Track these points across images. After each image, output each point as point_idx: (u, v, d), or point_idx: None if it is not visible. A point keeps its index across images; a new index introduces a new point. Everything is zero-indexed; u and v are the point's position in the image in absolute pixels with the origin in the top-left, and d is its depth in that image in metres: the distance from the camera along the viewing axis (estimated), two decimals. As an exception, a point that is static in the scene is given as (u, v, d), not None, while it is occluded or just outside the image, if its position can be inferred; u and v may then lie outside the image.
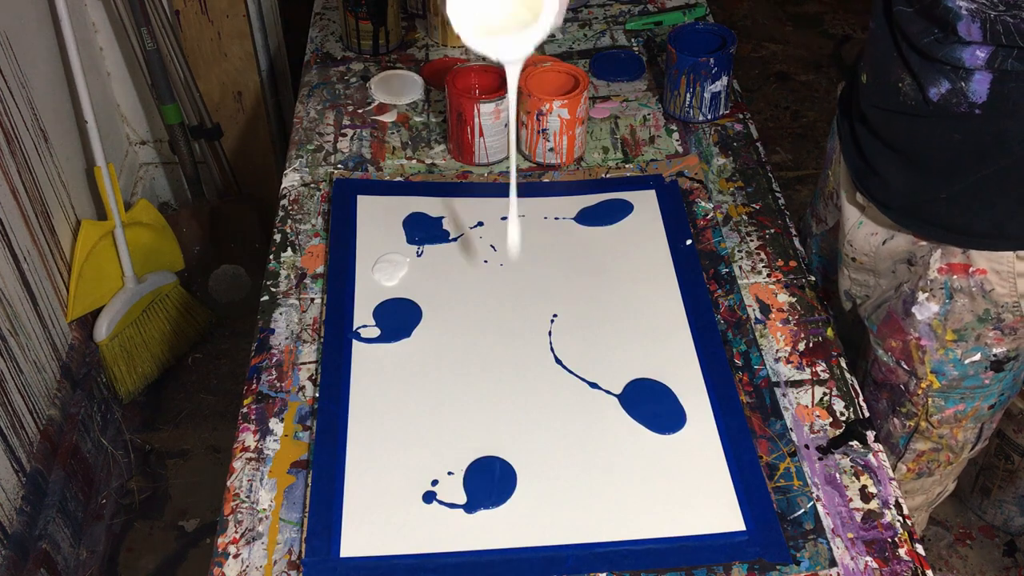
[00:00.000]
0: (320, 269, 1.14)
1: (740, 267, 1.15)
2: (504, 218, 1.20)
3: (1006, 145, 0.89)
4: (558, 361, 1.03)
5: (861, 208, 1.07)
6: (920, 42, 0.89)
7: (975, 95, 0.87)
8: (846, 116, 1.06)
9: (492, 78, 1.28)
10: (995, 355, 1.02)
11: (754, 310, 1.10)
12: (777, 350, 1.05)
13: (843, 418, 0.98)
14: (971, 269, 0.97)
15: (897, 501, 0.91)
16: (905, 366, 1.07)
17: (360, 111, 1.38)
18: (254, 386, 1.01)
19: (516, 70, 0.87)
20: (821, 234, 1.20)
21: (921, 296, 1.01)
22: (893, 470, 1.12)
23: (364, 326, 1.06)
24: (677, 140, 1.33)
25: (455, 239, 1.17)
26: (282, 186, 1.26)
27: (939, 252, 0.99)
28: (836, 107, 1.12)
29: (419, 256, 1.15)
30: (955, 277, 0.98)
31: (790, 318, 1.09)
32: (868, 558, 0.87)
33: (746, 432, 0.96)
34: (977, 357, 1.03)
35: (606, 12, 1.59)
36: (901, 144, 0.96)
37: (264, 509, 0.90)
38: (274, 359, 1.04)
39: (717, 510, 0.90)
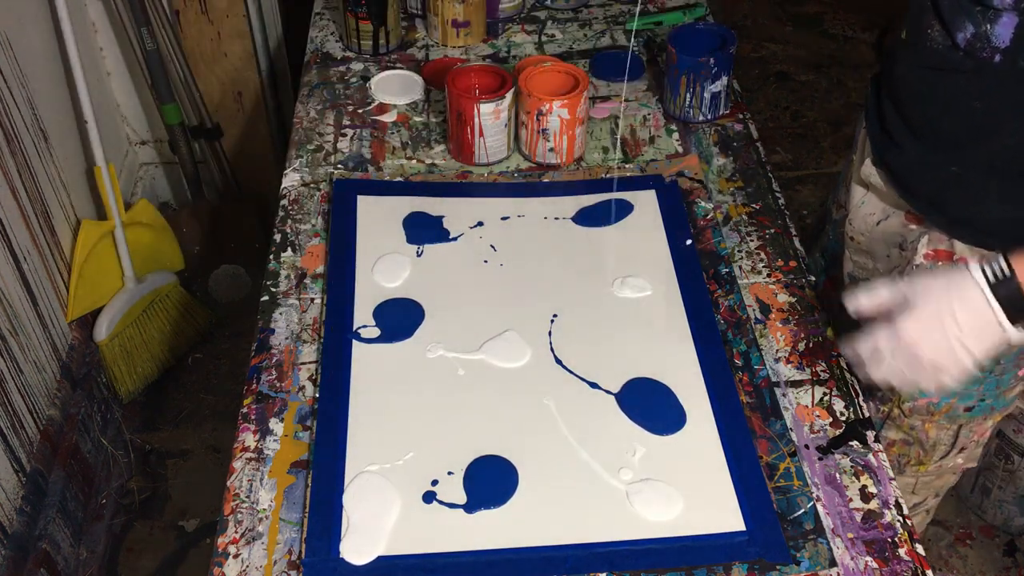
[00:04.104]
0: (320, 269, 1.14)
1: (740, 267, 1.15)
2: (505, 218, 1.20)
3: (1019, 118, 0.89)
4: (558, 361, 1.03)
5: (866, 187, 1.09)
6: None
7: (998, 39, 0.88)
8: (876, 91, 1.08)
9: (492, 78, 1.28)
10: None
11: (754, 310, 1.10)
12: (777, 350, 1.05)
13: (843, 418, 0.98)
14: (955, 257, 0.98)
15: (897, 501, 0.91)
16: None
17: (360, 111, 1.38)
18: (254, 386, 1.01)
19: None
20: (840, 219, 1.22)
21: None
22: None
23: (364, 326, 1.06)
24: (677, 140, 1.33)
25: (455, 239, 1.17)
26: (282, 186, 1.26)
27: (926, 238, 1.00)
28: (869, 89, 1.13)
29: (419, 256, 1.15)
30: (940, 264, 1.00)
31: (790, 318, 1.09)
32: (868, 558, 0.87)
33: (746, 432, 0.96)
34: None
35: (606, 12, 1.59)
36: (921, 108, 0.97)
37: (264, 509, 0.90)
38: (274, 359, 1.04)
39: (717, 510, 0.90)
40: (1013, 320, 0.82)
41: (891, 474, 0.94)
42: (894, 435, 1.14)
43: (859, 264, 1.15)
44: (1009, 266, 0.82)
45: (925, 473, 1.18)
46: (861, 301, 0.90)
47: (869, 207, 1.09)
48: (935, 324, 0.84)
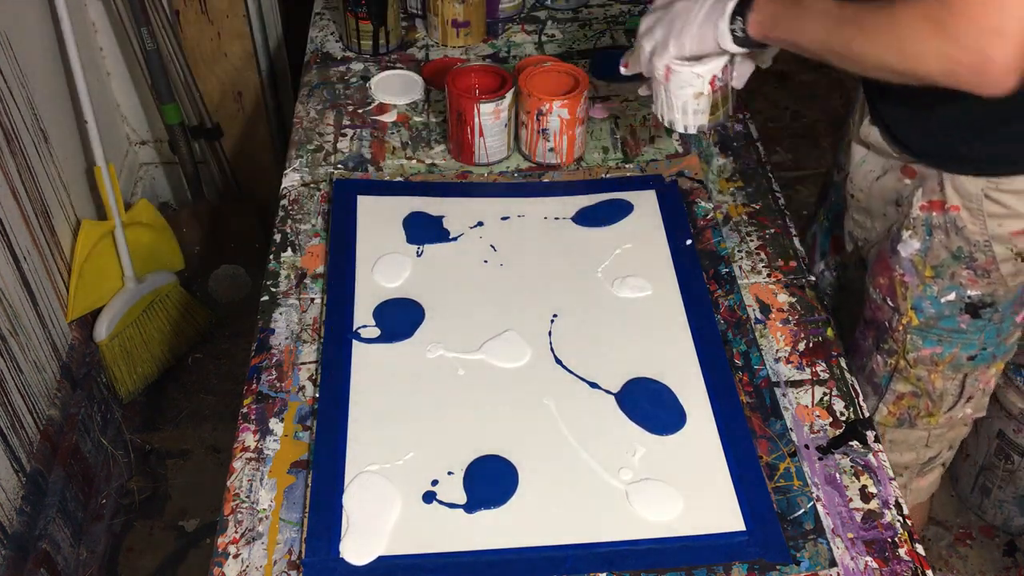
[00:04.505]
0: (320, 269, 1.14)
1: (740, 267, 1.15)
2: (505, 218, 1.20)
3: None
4: (558, 361, 1.03)
5: (866, 147, 1.12)
6: None
7: None
8: None
9: (492, 78, 1.28)
10: (969, 297, 1.07)
11: (754, 310, 1.10)
12: (777, 350, 1.05)
13: (843, 418, 0.98)
14: (947, 205, 1.03)
15: (897, 501, 0.91)
16: (890, 302, 1.12)
17: (360, 111, 1.38)
18: (254, 386, 1.01)
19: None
20: (840, 180, 1.26)
21: (905, 234, 1.07)
22: (874, 412, 1.18)
23: (364, 326, 1.06)
24: (677, 140, 1.33)
25: (455, 239, 1.17)
26: (282, 186, 1.26)
27: (920, 191, 1.05)
28: None
29: (419, 256, 1.15)
30: (934, 214, 1.04)
31: (790, 318, 1.09)
32: (868, 558, 0.87)
33: (746, 432, 0.96)
34: (952, 296, 1.08)
35: (606, 12, 1.59)
36: None
37: (264, 509, 0.90)
38: (274, 359, 1.04)
39: (717, 510, 0.90)
40: (736, 14, 0.99)
41: (891, 474, 0.94)
42: (903, 388, 1.17)
43: (859, 222, 1.18)
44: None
45: (936, 426, 1.21)
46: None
47: (869, 165, 1.13)
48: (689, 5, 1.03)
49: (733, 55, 1.05)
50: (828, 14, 0.91)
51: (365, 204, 1.21)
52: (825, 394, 1.01)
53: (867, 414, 0.99)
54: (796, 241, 1.18)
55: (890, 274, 1.11)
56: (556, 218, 1.20)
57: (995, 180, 0.99)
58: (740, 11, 0.98)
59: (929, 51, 0.84)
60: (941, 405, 1.18)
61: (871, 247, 1.17)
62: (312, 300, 1.10)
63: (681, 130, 1.11)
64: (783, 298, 1.11)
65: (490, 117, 1.23)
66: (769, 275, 1.14)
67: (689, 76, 1.05)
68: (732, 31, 0.99)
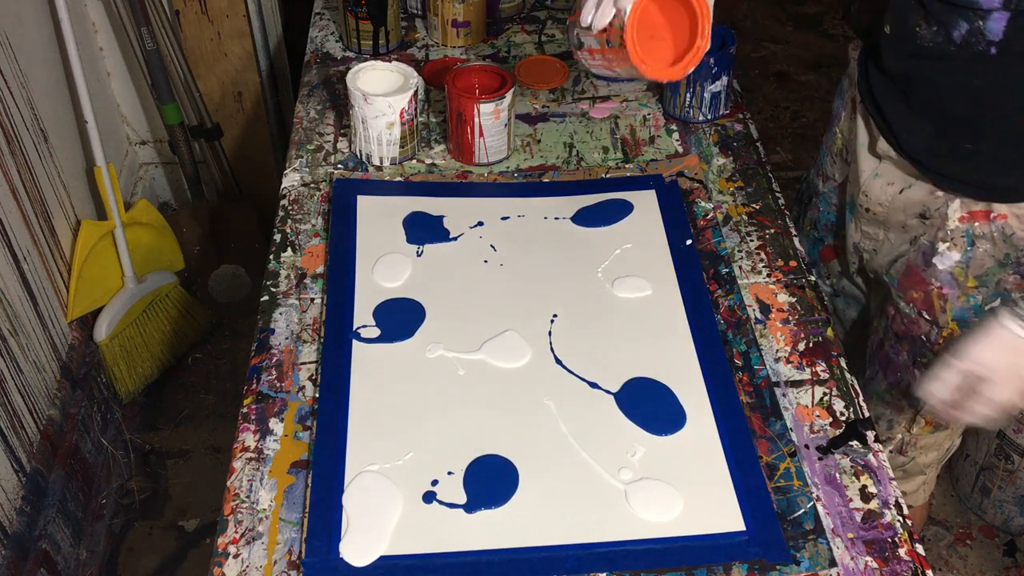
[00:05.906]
0: (320, 269, 1.14)
1: (740, 267, 1.15)
2: (505, 218, 1.20)
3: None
4: (558, 361, 1.03)
5: (878, 158, 1.09)
6: None
7: (992, 33, 0.90)
8: (865, 74, 1.08)
9: (492, 78, 1.28)
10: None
11: (754, 310, 1.10)
12: (777, 350, 1.05)
13: (843, 418, 0.98)
14: (992, 215, 1.00)
15: (897, 501, 0.91)
16: (927, 316, 1.10)
17: (360, 111, 1.38)
18: (254, 386, 1.01)
19: None
20: (829, 190, 1.24)
21: (942, 246, 1.04)
22: (912, 423, 1.17)
23: (364, 326, 1.06)
24: (677, 140, 1.33)
25: (455, 239, 1.17)
26: (282, 186, 1.26)
27: (958, 202, 1.02)
28: (854, 67, 1.13)
29: (419, 256, 1.15)
30: (976, 224, 1.02)
31: (790, 318, 1.09)
32: (868, 558, 0.87)
33: (746, 432, 0.96)
34: (997, 303, 1.05)
35: (606, 12, 1.59)
36: (923, 93, 0.99)
37: (264, 509, 0.90)
38: (274, 359, 1.04)
39: (717, 510, 0.90)
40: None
41: (891, 474, 0.94)
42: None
43: (868, 234, 1.15)
44: None
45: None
46: (937, 393, 0.96)
47: (887, 177, 1.09)
48: (1016, 381, 0.92)
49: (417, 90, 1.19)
50: None
51: (365, 204, 1.21)
52: (825, 394, 1.01)
53: (867, 414, 0.99)
54: (796, 241, 1.18)
55: (925, 288, 1.08)
56: (556, 218, 1.20)
57: None
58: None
59: None
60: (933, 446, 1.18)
61: (891, 261, 1.14)
62: (312, 300, 1.10)
63: (377, 163, 1.26)
64: (783, 298, 1.11)
65: (490, 117, 1.23)
66: (769, 275, 1.14)
67: (383, 105, 1.19)
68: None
